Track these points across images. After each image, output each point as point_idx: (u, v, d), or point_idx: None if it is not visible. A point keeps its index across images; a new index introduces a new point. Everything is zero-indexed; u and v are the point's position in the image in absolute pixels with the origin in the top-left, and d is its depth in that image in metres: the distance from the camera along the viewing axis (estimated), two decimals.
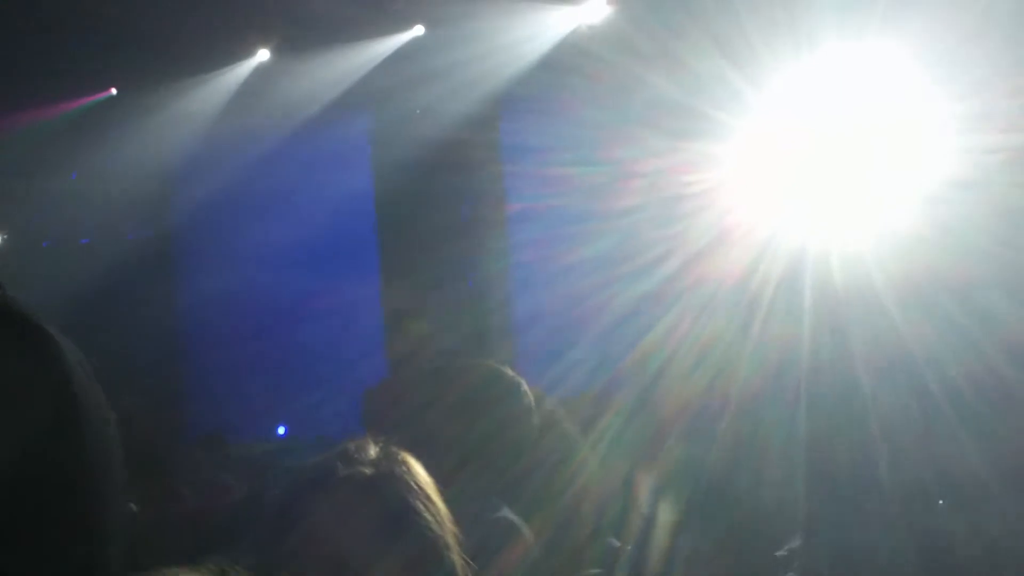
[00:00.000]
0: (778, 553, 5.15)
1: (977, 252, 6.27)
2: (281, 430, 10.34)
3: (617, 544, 4.10)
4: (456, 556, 2.04)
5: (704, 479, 5.18)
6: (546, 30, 9.06)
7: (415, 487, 2.04)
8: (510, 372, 3.29)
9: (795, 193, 7.43)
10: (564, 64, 8.81)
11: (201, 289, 11.35)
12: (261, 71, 10.06)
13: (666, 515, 3.65)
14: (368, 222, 10.64)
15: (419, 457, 2.99)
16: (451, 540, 2.03)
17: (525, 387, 3.28)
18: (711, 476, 5.18)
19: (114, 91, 10.32)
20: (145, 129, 10.25)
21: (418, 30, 9.53)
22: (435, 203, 9.99)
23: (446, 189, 9.94)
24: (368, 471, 2.02)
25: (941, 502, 5.38)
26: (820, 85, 7.29)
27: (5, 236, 9.19)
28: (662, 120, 7.89)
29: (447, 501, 2.22)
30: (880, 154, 7.04)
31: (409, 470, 2.06)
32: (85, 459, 2.20)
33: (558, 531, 3.18)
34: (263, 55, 10.00)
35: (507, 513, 3.16)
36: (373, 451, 2.07)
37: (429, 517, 2.00)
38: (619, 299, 7.76)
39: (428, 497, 2.05)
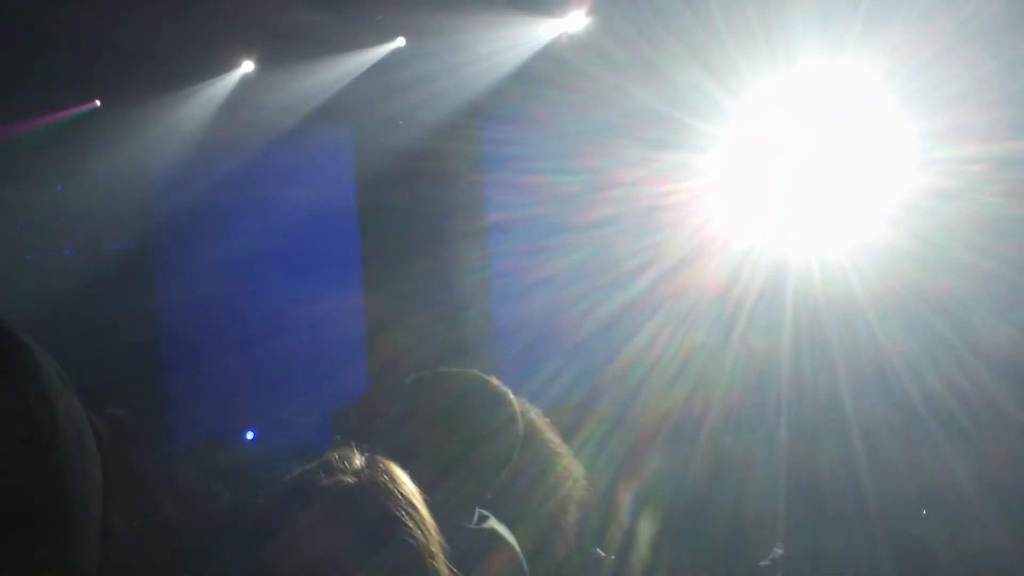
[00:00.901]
0: (761, 563, 5.15)
1: (957, 263, 6.30)
2: (250, 435, 10.30)
3: (601, 555, 4.09)
4: (441, 565, 2.02)
5: (685, 490, 5.19)
6: (527, 41, 9.08)
7: (398, 496, 2.02)
8: (494, 381, 3.27)
9: (775, 204, 7.45)
10: (544, 75, 8.82)
11: (183, 300, 11.34)
12: (245, 83, 10.06)
13: (647, 526, 3.63)
14: (350, 233, 10.63)
15: (402, 466, 2.97)
16: (436, 549, 2.02)
17: (510, 396, 3.26)
18: (692, 487, 5.18)
19: (98, 103, 10.30)
20: (128, 140, 10.24)
21: (400, 42, 9.55)
22: (416, 213, 10.00)
23: (427, 199, 9.94)
24: (350, 480, 2.00)
25: (924, 512, 5.39)
26: (799, 96, 7.31)
27: None
28: (642, 130, 7.90)
29: (431, 510, 2.21)
30: (859, 165, 7.06)
31: (393, 479, 2.04)
32: (62, 471, 2.20)
33: (540, 541, 3.16)
34: (247, 67, 10.00)
35: (493, 523, 3.14)
36: (357, 461, 2.05)
37: (412, 526, 1.99)
38: (600, 309, 7.76)
39: (412, 506, 2.03)
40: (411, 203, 9.98)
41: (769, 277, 7.02)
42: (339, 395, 8.23)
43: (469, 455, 3.07)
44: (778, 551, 5.18)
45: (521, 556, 3.07)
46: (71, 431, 2.32)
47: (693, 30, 7.60)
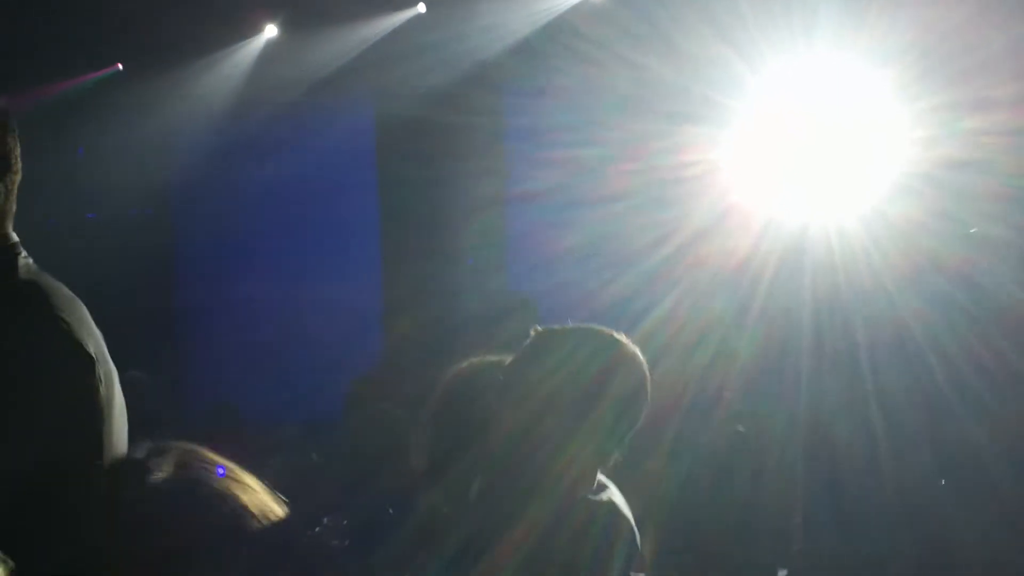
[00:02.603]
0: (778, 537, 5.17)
1: (974, 234, 6.30)
2: None
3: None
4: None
5: (703, 463, 5.20)
6: (547, 10, 9.06)
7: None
8: (626, 340, 3.01)
9: (795, 177, 7.44)
10: (565, 47, 8.80)
11: (200, 267, 11.39)
12: (268, 48, 10.06)
13: (666, 498, 3.61)
14: (369, 203, 10.64)
15: (533, 419, 2.84)
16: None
17: (641, 357, 3.00)
18: (710, 459, 5.20)
19: (120, 66, 10.31)
20: (150, 105, 10.25)
21: (420, 8, 9.53)
22: (435, 185, 9.99)
23: (446, 171, 9.94)
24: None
25: (943, 482, 5.40)
26: (818, 69, 7.29)
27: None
28: (662, 103, 7.88)
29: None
30: (879, 137, 7.04)
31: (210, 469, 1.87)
32: (108, 432, 2.30)
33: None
34: (271, 31, 9.99)
35: (612, 492, 2.97)
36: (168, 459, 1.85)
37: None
38: (618, 282, 7.76)
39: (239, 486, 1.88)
40: (430, 174, 9.98)
41: (788, 250, 7.01)
42: (354, 366, 8.26)
43: (603, 414, 2.91)
44: (797, 519, 5.20)
45: (635, 530, 2.94)
46: (114, 395, 2.42)
47: (713, 2, 7.58)
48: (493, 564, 2.70)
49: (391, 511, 4.76)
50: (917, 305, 6.17)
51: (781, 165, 7.50)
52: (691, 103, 7.69)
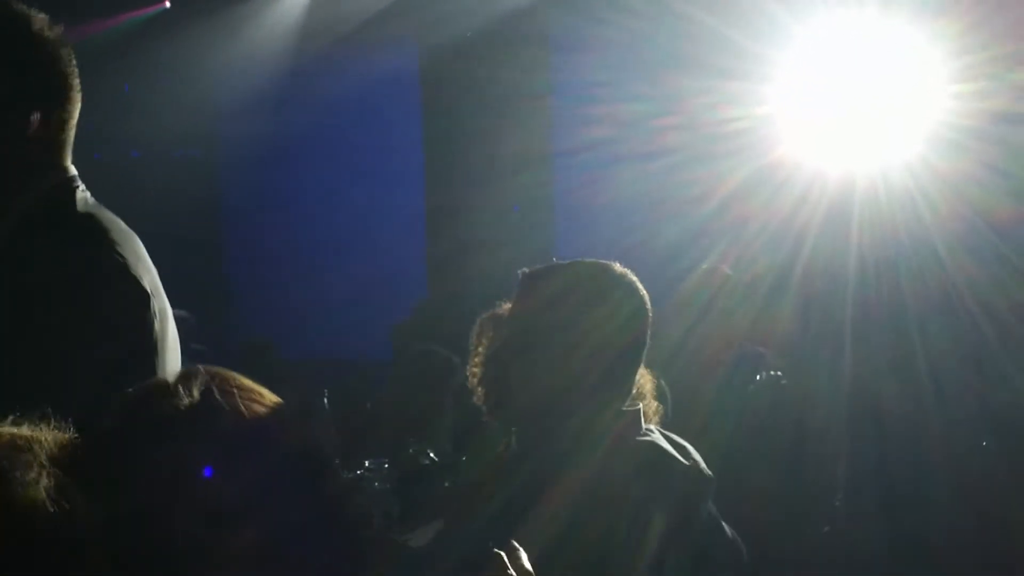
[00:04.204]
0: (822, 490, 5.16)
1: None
2: None
3: None
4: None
5: (746, 419, 5.20)
6: None
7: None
8: (618, 267, 2.93)
9: (841, 131, 7.38)
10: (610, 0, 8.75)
11: (245, 209, 11.48)
12: None
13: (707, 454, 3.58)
14: (415, 155, 10.65)
15: (519, 364, 2.83)
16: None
17: (636, 283, 2.92)
18: (753, 417, 5.19)
19: (168, 4, 10.31)
20: (197, 46, 10.26)
21: None
22: (482, 136, 9.98)
23: (491, 124, 9.92)
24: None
25: (984, 444, 5.37)
26: (866, 22, 7.21)
27: None
28: (708, 57, 7.83)
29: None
30: (926, 91, 6.97)
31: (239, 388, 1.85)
32: (160, 359, 2.35)
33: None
34: None
35: (656, 437, 2.89)
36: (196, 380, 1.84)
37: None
38: (664, 236, 7.75)
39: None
40: (478, 126, 9.97)
41: (834, 204, 6.97)
42: (398, 311, 8.32)
43: (607, 336, 2.83)
44: (840, 474, 5.19)
45: (691, 473, 2.84)
46: (168, 329, 2.46)
47: None
48: (540, 517, 2.69)
49: (434, 459, 4.81)
50: (965, 260, 6.13)
51: (827, 120, 7.45)
52: (737, 57, 7.63)
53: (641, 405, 2.96)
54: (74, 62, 2.50)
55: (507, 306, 3.19)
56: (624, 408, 2.89)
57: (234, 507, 1.69)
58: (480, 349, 3.44)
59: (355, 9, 10.01)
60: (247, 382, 1.78)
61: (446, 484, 4.46)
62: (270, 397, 1.80)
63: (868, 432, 5.22)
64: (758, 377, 5.39)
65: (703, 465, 2.88)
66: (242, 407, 1.72)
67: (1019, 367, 5.42)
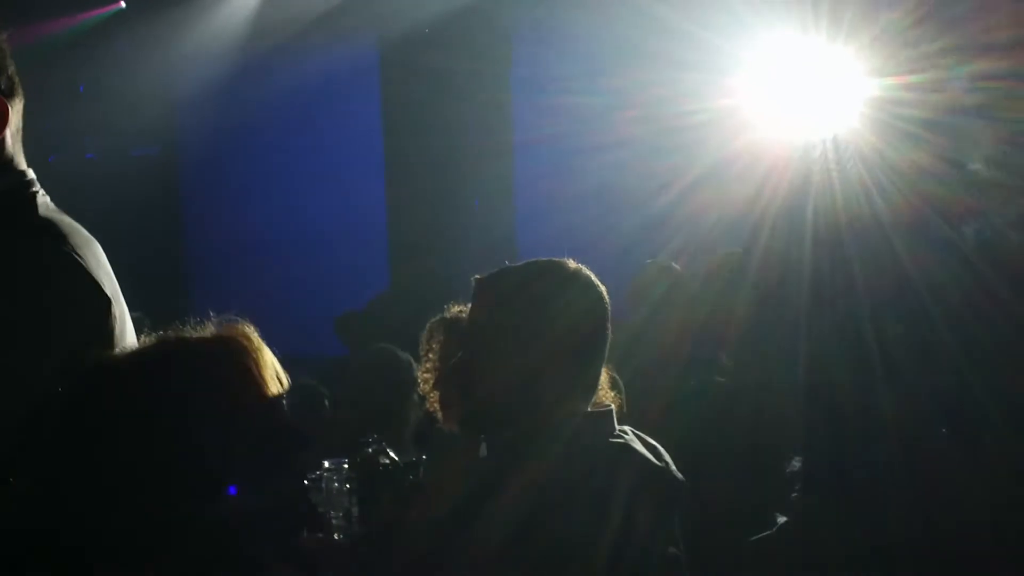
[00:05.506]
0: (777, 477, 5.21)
1: (978, 180, 6.28)
2: None
3: None
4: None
5: (704, 408, 5.24)
6: None
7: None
8: (571, 263, 2.99)
9: (797, 123, 7.43)
10: None
11: (206, 207, 11.43)
12: None
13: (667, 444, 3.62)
14: (374, 147, 10.63)
15: (479, 369, 2.84)
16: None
17: (591, 278, 2.98)
18: (710, 405, 5.24)
19: (123, 4, 10.25)
20: (152, 45, 10.20)
21: None
22: (440, 132, 9.98)
23: (451, 118, 9.92)
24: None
25: (943, 430, 5.42)
26: (819, 17, 7.25)
27: None
28: (666, 49, 7.86)
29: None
30: (880, 82, 7.02)
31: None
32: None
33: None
34: None
35: (629, 437, 2.93)
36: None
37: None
38: (624, 227, 7.78)
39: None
40: (436, 121, 9.97)
41: (789, 196, 7.01)
42: (360, 304, 8.32)
43: (566, 332, 2.86)
44: (795, 464, 5.23)
45: (659, 470, 2.86)
46: (126, 334, 2.48)
47: None
48: (507, 517, 2.69)
49: (392, 458, 4.81)
50: (919, 251, 6.17)
51: (783, 112, 7.49)
52: (696, 49, 7.67)
53: (613, 407, 2.98)
54: (11, 54, 2.50)
55: (457, 309, 3.21)
56: (596, 408, 2.92)
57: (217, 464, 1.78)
58: (431, 355, 3.45)
59: (314, 0, 9.99)
60: (266, 355, 1.90)
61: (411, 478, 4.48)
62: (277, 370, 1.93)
63: (823, 421, 5.27)
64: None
65: (674, 468, 2.90)
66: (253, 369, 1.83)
67: (971, 357, 5.48)
